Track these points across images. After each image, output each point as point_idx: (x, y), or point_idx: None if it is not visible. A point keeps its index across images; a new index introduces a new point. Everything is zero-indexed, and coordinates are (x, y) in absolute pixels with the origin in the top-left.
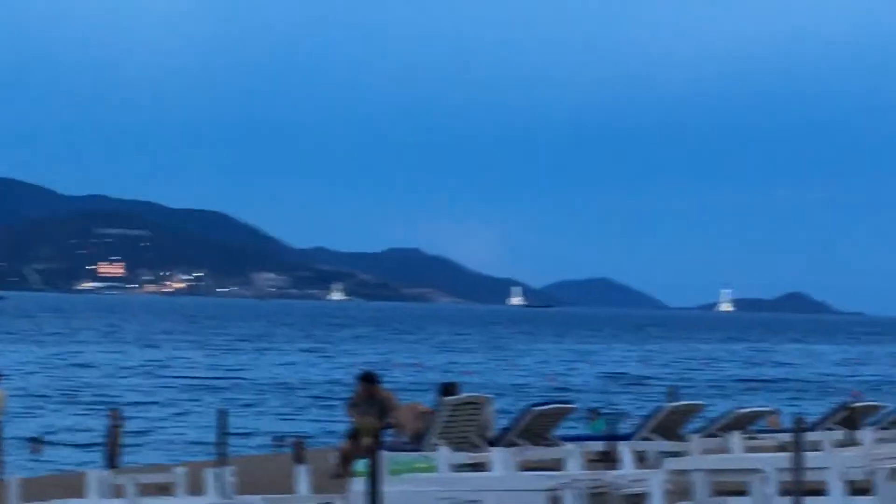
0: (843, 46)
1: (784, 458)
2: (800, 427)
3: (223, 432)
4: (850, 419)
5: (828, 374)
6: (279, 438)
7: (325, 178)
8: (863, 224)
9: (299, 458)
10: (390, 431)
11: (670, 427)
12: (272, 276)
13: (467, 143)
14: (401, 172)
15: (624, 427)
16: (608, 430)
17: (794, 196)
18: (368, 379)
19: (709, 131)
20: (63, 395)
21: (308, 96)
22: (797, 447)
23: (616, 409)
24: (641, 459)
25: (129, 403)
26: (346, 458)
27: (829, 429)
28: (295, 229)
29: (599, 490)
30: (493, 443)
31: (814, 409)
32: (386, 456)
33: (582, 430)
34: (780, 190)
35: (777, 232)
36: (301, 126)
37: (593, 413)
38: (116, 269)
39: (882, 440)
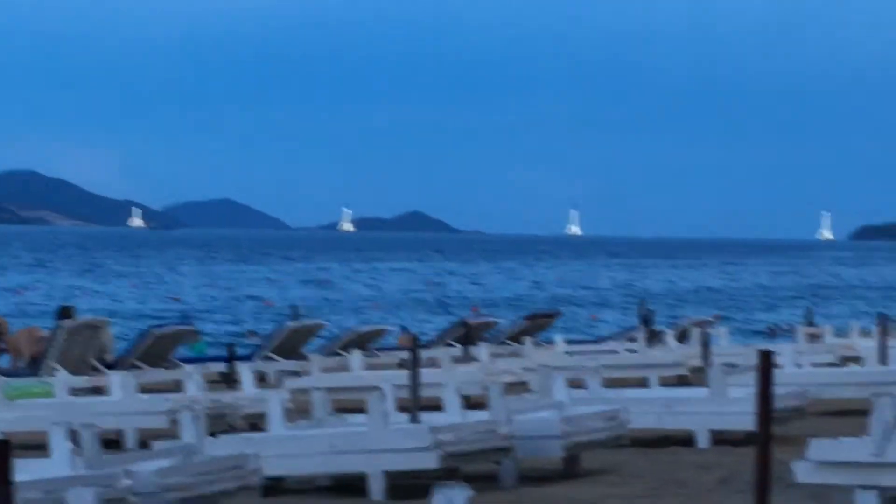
0: None
1: (402, 375)
2: (416, 344)
3: None
4: (468, 336)
5: (455, 291)
6: None
7: None
8: (475, 144)
9: None
10: (5, 356)
11: (292, 346)
12: None
13: (84, 64)
14: (15, 92)
15: (247, 347)
16: (229, 352)
17: (410, 115)
18: None
19: (332, 53)
20: None
21: None
22: (414, 364)
23: (240, 330)
24: (262, 380)
25: None
26: None
27: (448, 345)
28: None
29: (219, 411)
30: (112, 366)
31: (439, 325)
32: (0, 381)
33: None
34: (395, 109)
35: (395, 151)
36: None
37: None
38: None
39: (497, 355)
